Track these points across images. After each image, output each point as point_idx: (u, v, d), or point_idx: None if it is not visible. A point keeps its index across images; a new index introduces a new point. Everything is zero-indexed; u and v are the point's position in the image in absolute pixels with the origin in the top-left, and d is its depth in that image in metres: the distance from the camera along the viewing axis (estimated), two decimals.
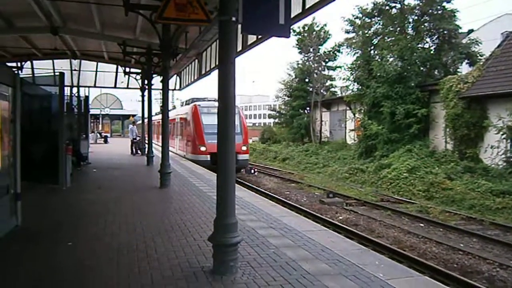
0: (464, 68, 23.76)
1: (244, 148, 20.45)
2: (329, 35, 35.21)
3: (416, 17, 24.46)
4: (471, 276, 8.19)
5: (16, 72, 9.76)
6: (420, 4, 23.92)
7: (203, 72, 19.50)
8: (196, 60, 20.24)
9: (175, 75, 26.27)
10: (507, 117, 15.91)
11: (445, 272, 8.03)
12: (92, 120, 40.53)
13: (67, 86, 15.59)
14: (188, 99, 26.16)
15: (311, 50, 35.55)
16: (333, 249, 5.92)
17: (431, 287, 4.92)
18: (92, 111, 33.47)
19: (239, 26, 4.85)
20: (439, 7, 23.39)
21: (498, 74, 18.17)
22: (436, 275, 7.55)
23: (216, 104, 20.01)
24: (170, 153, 22.34)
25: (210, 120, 18.36)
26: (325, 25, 35.18)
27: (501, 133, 16.54)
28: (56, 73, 17.56)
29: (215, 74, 15.18)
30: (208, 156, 19.11)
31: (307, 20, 34.50)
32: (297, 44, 35.78)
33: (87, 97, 21.24)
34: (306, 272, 5.00)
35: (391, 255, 8.61)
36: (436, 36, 24.11)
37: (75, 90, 20.54)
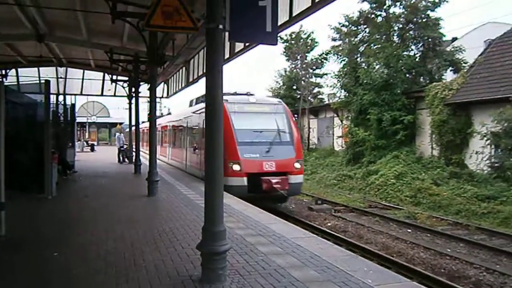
0: (449, 75, 24.13)
1: (297, 165, 13.58)
2: (316, 42, 35.51)
3: (401, 25, 24.80)
4: (459, 281, 8.26)
5: (0, 79, 9.64)
6: (405, 12, 24.27)
7: (190, 79, 19.52)
8: (184, 68, 20.27)
9: (163, 83, 26.25)
10: (490, 123, 16.18)
11: (433, 277, 8.08)
12: (78, 128, 40.15)
13: (53, 94, 15.42)
14: (200, 95, 19.17)
15: (298, 57, 35.78)
16: (322, 256, 5.93)
17: None
18: (78, 119, 33.17)
19: (226, 33, 4.86)
20: (423, 15, 23.76)
21: (482, 81, 18.49)
22: (424, 281, 7.59)
23: (252, 99, 14.56)
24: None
25: (245, 123, 13.62)
26: (312, 32, 35.50)
27: (485, 139, 16.80)
28: (42, 81, 17.40)
29: (203, 81, 14.71)
30: (245, 179, 12.77)
31: (295, 28, 34.75)
32: (284, 52, 36.00)
33: (73, 105, 21.01)
34: (295, 279, 4.99)
35: (379, 261, 8.64)
36: (421, 44, 24.46)
37: (61, 98, 20.32)
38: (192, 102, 20.79)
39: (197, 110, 16.75)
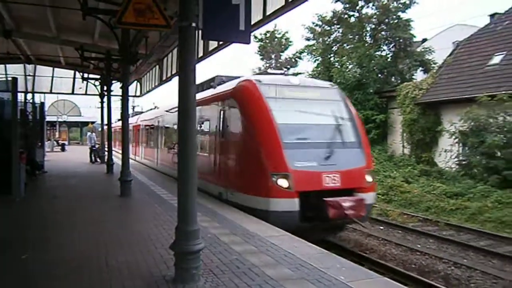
0: (419, 75, 24.75)
1: (369, 178, 9.36)
2: (291, 42, 35.80)
3: (373, 26, 25.29)
4: (428, 275, 8.48)
5: None
6: (377, 13, 24.74)
7: (164, 78, 19.28)
8: (157, 66, 20.01)
9: (136, 81, 25.84)
10: (458, 122, 16.68)
11: (404, 272, 8.27)
12: (48, 128, 39.06)
13: (21, 92, 14.99)
14: (208, 79, 13.43)
15: (273, 56, 35.96)
16: (296, 253, 5.97)
17: None
18: (48, 118, 32.29)
19: (200, 32, 4.83)
20: (394, 16, 24.30)
21: (450, 81, 19.05)
22: (396, 276, 7.76)
23: (294, 80, 10.75)
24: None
25: (290, 114, 9.51)
26: (287, 32, 35.78)
27: (453, 137, 17.31)
28: (9, 78, 16.84)
29: (176, 80, 13.53)
30: (296, 201, 8.43)
31: (269, 27, 34.94)
32: (258, 51, 36.12)
33: (42, 104, 20.45)
34: (269, 277, 5.01)
35: (352, 258, 8.77)
36: (392, 44, 25.04)
37: (29, 96, 19.74)
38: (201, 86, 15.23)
39: (209, 97, 11.83)
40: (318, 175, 8.65)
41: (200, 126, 12.30)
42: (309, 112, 9.86)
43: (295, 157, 8.68)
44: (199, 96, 12.68)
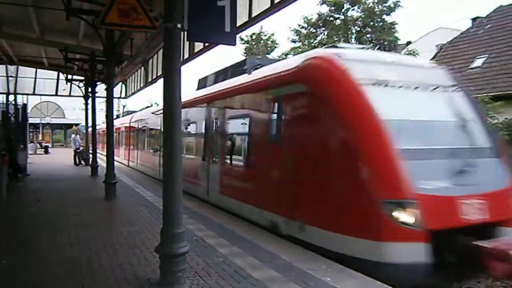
0: None
1: None
2: (276, 44, 35.95)
3: (358, 28, 25.57)
4: None
5: None
6: (362, 16, 25.02)
7: (149, 79, 19.16)
8: (142, 68, 19.87)
9: (121, 83, 25.61)
10: None
11: None
12: (31, 130, 38.46)
13: (3, 93, 14.72)
14: (235, 63, 11.37)
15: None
16: (282, 255, 5.97)
17: None
18: (31, 120, 31.81)
19: (185, 33, 4.80)
20: (379, 19, 24.60)
21: None
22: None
23: (387, 57, 7.56)
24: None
25: (399, 107, 6.17)
26: (273, 34, 35.91)
27: None
28: None
29: (162, 81, 13.06)
30: (423, 246, 5.15)
31: (255, 29, 35.02)
32: (244, 53, 36.17)
33: (25, 105, 20.15)
34: (255, 280, 5.00)
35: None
36: (377, 47, 25.30)
37: (11, 97, 19.43)
38: (206, 80, 12.66)
39: (247, 84, 9.01)
40: (453, 202, 5.55)
41: (230, 126, 9.69)
42: (421, 103, 6.49)
43: (420, 173, 5.53)
44: (226, 85, 10.33)
